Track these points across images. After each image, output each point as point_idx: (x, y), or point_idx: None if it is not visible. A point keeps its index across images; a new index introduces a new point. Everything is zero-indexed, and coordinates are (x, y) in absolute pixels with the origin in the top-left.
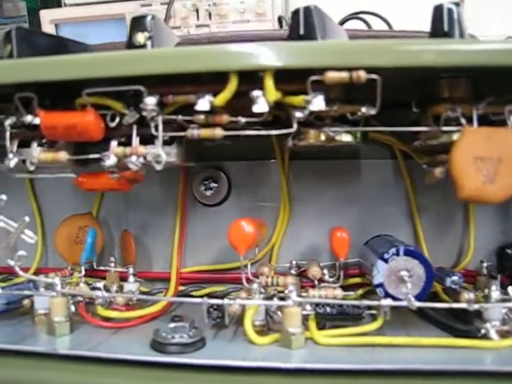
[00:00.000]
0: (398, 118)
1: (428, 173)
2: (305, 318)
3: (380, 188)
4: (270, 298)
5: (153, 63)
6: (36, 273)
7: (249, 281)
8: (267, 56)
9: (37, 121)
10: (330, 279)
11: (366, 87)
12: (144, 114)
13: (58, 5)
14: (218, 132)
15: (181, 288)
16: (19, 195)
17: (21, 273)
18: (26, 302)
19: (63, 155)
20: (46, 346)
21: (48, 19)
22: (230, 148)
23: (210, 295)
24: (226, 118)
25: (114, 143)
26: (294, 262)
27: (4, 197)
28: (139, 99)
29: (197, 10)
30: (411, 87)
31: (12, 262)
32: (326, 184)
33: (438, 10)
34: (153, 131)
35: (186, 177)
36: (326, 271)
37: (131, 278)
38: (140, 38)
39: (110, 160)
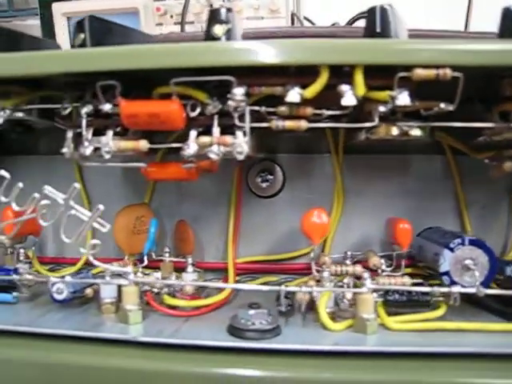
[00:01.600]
0: (460, 114)
1: (494, 167)
2: None
3: (428, 181)
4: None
5: (249, 55)
6: (86, 263)
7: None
8: (360, 52)
9: (111, 108)
10: (388, 269)
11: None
12: (232, 104)
13: None
14: (303, 124)
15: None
16: (68, 184)
17: (95, 262)
18: (88, 290)
19: (144, 144)
20: (122, 334)
21: (60, 12)
22: (284, 140)
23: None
24: (310, 111)
25: (193, 133)
26: (348, 253)
27: (77, 185)
28: (222, 90)
29: (211, 6)
30: (476, 84)
31: (84, 251)
32: (377, 177)
33: (508, 12)
34: (236, 122)
35: (242, 168)
36: (382, 261)
37: (190, 268)
38: (218, 30)
39: (190, 149)
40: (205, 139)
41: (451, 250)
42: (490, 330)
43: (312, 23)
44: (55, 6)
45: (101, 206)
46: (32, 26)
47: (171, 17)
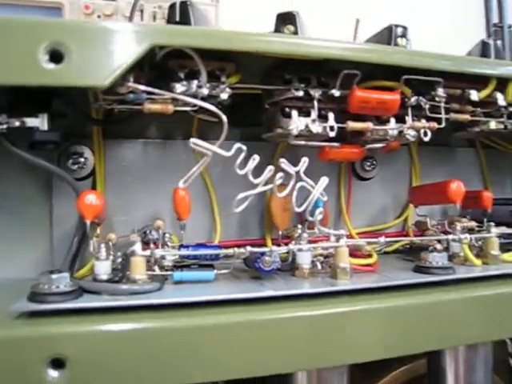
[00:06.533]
0: None
1: None
2: None
3: None
4: None
5: None
6: None
7: None
8: None
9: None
10: None
11: None
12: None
13: None
14: None
15: None
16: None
17: (322, 228)
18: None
19: (371, 125)
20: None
21: None
22: None
23: None
24: None
25: (409, 118)
26: None
27: (306, 158)
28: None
29: (141, 11)
30: None
31: (312, 219)
32: None
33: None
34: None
35: None
36: None
37: None
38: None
39: (410, 132)
40: (419, 124)
41: None
42: None
43: None
44: None
45: (325, 178)
46: None
47: (98, 17)
